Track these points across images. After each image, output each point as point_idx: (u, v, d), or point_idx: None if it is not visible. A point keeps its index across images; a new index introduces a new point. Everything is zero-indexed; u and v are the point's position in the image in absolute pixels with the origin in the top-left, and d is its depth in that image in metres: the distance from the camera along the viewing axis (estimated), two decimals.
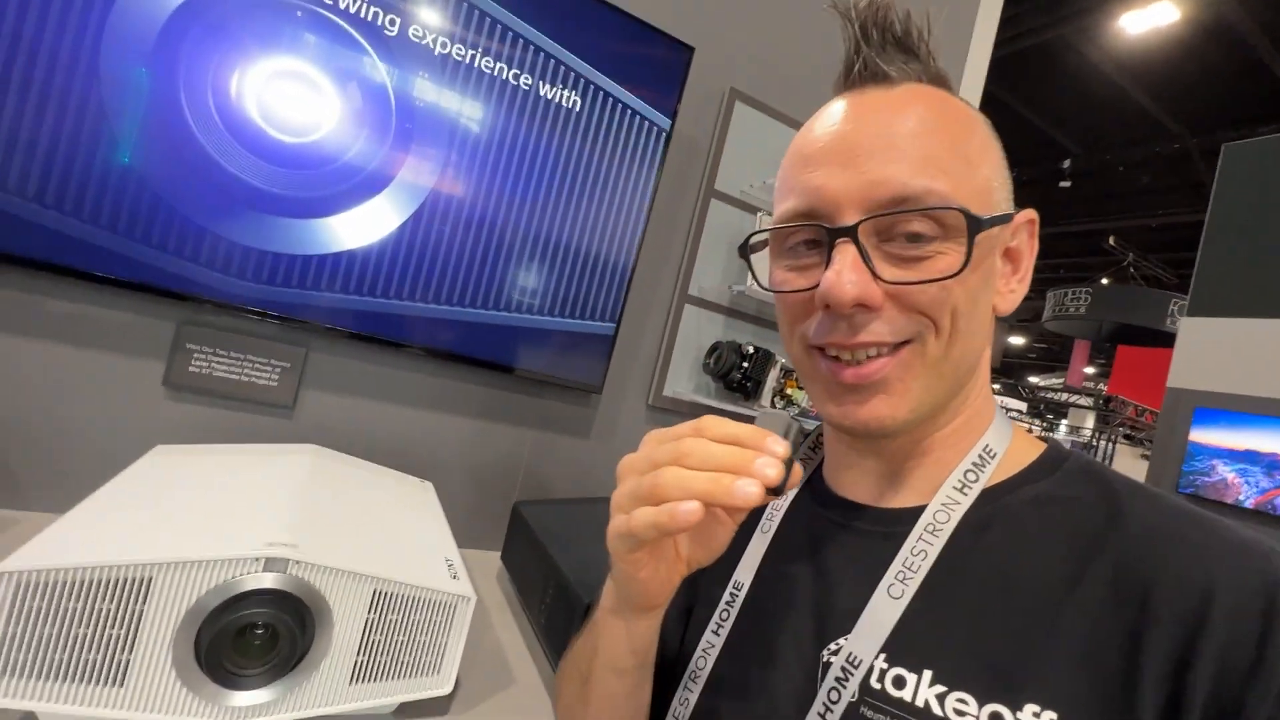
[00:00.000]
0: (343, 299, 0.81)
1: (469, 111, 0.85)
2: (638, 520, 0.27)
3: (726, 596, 0.35)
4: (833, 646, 0.30)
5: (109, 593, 0.41)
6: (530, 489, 0.98)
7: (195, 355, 0.77)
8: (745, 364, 1.01)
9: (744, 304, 1.08)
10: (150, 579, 0.42)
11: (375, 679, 0.49)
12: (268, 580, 0.45)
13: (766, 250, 0.34)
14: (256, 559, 0.45)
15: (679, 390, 1.06)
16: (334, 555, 0.48)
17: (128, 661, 0.42)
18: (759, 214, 1.06)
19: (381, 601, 0.49)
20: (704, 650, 0.34)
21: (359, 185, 0.81)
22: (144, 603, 0.42)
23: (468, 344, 0.89)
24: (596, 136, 0.92)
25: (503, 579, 0.85)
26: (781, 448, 0.27)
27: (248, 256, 0.76)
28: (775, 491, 0.27)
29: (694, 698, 0.33)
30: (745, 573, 0.35)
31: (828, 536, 0.33)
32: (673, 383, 1.06)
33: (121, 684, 0.42)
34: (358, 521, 0.57)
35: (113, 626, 0.41)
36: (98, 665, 0.41)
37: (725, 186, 1.05)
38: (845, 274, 0.28)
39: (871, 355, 0.30)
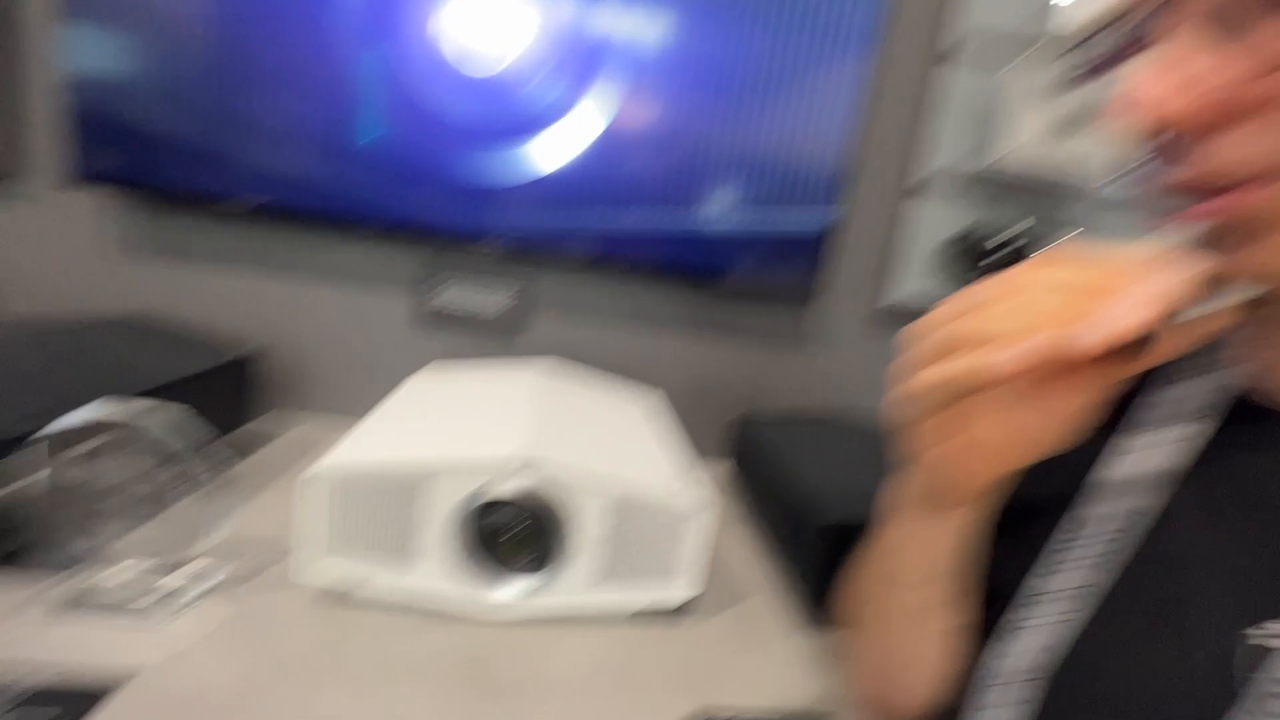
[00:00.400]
0: (553, 221, 0.83)
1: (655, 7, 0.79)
2: (953, 366, 0.21)
3: (1082, 519, 0.26)
4: (1271, 628, 0.21)
5: (398, 491, 0.47)
6: (750, 402, 0.95)
7: (439, 289, 0.86)
8: (1006, 245, 0.83)
9: (984, 187, 0.89)
10: (429, 478, 0.47)
11: (615, 583, 0.51)
12: (522, 484, 0.47)
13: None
14: (512, 464, 0.48)
15: (908, 295, 0.92)
16: (580, 462, 0.49)
17: (415, 549, 0.48)
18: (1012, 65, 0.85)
19: (623, 507, 0.50)
20: (1048, 580, 0.26)
21: (553, 107, 0.80)
22: (425, 500, 0.47)
23: (674, 257, 0.86)
24: (794, 12, 0.80)
25: (728, 493, 0.84)
26: (1160, 288, 0.18)
27: (472, 193, 0.81)
28: (1136, 351, 0.19)
29: (1031, 641, 0.25)
30: (1114, 493, 0.25)
31: (1253, 466, 0.23)
32: (902, 286, 0.93)
33: (412, 569, 0.48)
34: (599, 430, 0.59)
35: (401, 520, 0.48)
36: (392, 552, 0.48)
37: (955, 45, 0.85)
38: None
39: None
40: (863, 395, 0.95)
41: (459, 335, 0.88)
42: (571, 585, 0.50)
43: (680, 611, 0.55)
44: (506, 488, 0.48)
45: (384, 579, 0.48)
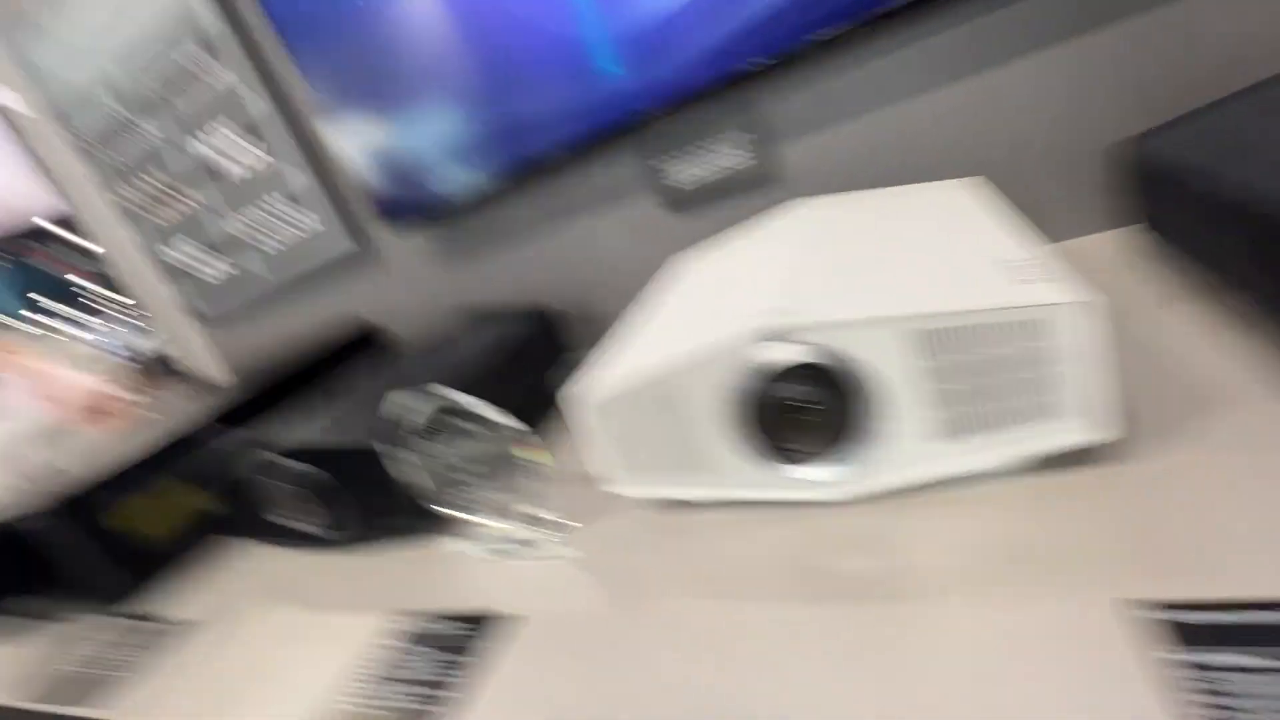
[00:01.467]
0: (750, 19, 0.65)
1: None
2: None
3: None
4: None
5: (662, 398, 0.43)
6: (1141, 118, 0.61)
7: (670, 169, 0.78)
8: None
9: None
10: (684, 377, 0.41)
11: (974, 433, 0.36)
12: (788, 354, 0.38)
13: None
14: (756, 336, 0.38)
15: None
16: (842, 307, 0.36)
17: (706, 450, 0.43)
18: None
19: (935, 341, 0.35)
20: None
21: None
22: (696, 400, 0.42)
23: None
24: None
25: (1147, 267, 0.57)
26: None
27: (646, 51, 0.69)
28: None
29: None
30: None
31: None
32: None
33: (712, 468, 0.44)
34: (871, 259, 0.44)
35: (682, 427, 0.43)
36: (688, 460, 0.44)
37: None
38: None
39: None
40: None
41: (720, 208, 0.79)
42: (910, 450, 0.38)
43: (1099, 457, 0.37)
44: (772, 361, 0.38)
45: (693, 487, 0.45)
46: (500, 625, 0.43)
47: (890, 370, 0.36)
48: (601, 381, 0.45)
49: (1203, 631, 0.26)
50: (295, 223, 1.02)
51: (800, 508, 0.43)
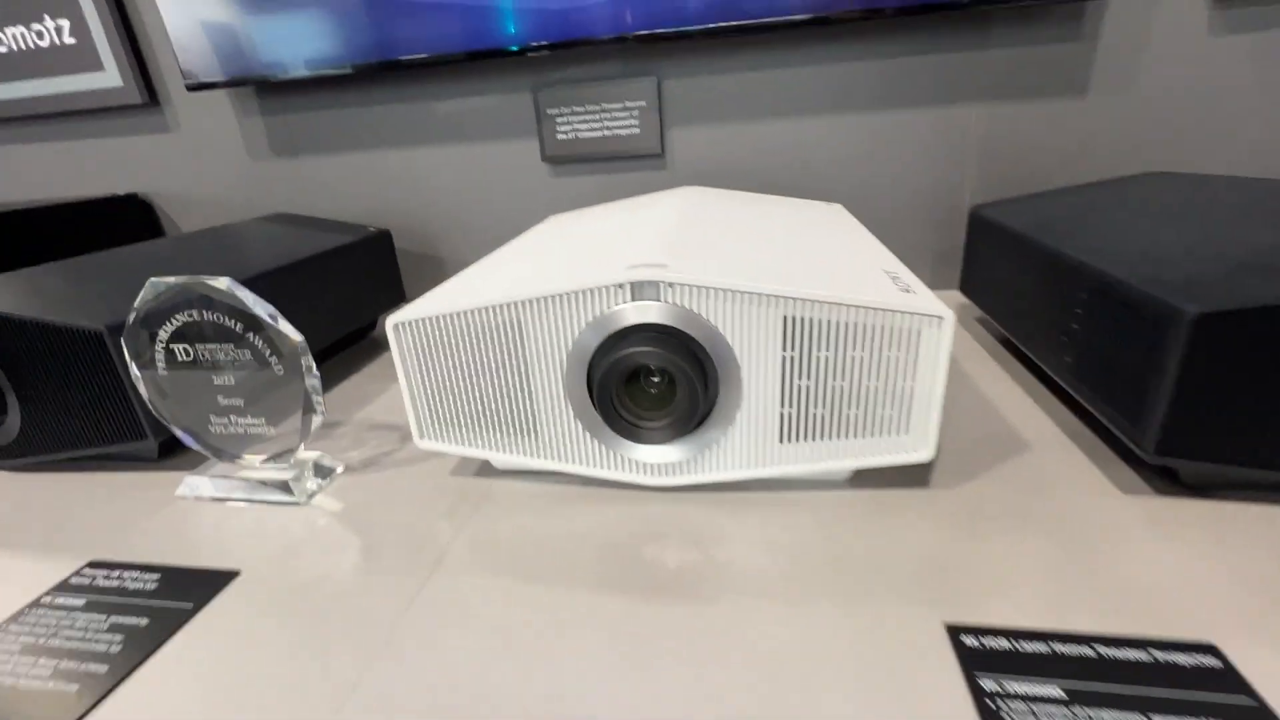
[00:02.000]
0: None
1: None
2: None
3: None
4: None
5: (497, 335, 0.36)
6: (988, 190, 0.67)
7: (558, 120, 0.71)
8: None
9: None
10: (520, 321, 0.35)
11: (813, 437, 0.35)
12: (645, 313, 0.33)
13: None
14: (620, 286, 0.33)
15: None
16: (724, 275, 0.33)
17: (531, 410, 0.37)
18: None
19: (802, 331, 0.33)
20: None
21: None
22: (525, 346, 0.35)
23: None
24: None
25: (970, 319, 0.61)
26: None
27: None
28: None
29: None
30: None
31: None
32: None
33: (534, 432, 0.38)
34: (754, 242, 0.42)
35: (512, 373, 0.37)
36: (509, 415, 0.37)
37: None
38: None
39: None
40: (1209, 138, 0.61)
41: (592, 174, 0.74)
42: (750, 445, 0.35)
43: (925, 470, 0.38)
44: (637, 315, 0.33)
45: (508, 449, 0.38)
46: (200, 584, 0.33)
47: (750, 352, 0.33)
48: (417, 307, 0.37)
49: (1000, 657, 0.25)
50: (67, 58, 0.78)
51: (624, 490, 0.38)
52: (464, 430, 0.39)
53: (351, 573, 0.33)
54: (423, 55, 0.67)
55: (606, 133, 0.71)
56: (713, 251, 0.37)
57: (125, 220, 0.82)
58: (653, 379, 0.35)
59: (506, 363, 0.36)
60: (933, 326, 0.32)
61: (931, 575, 0.30)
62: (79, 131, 0.83)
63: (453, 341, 0.36)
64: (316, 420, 0.39)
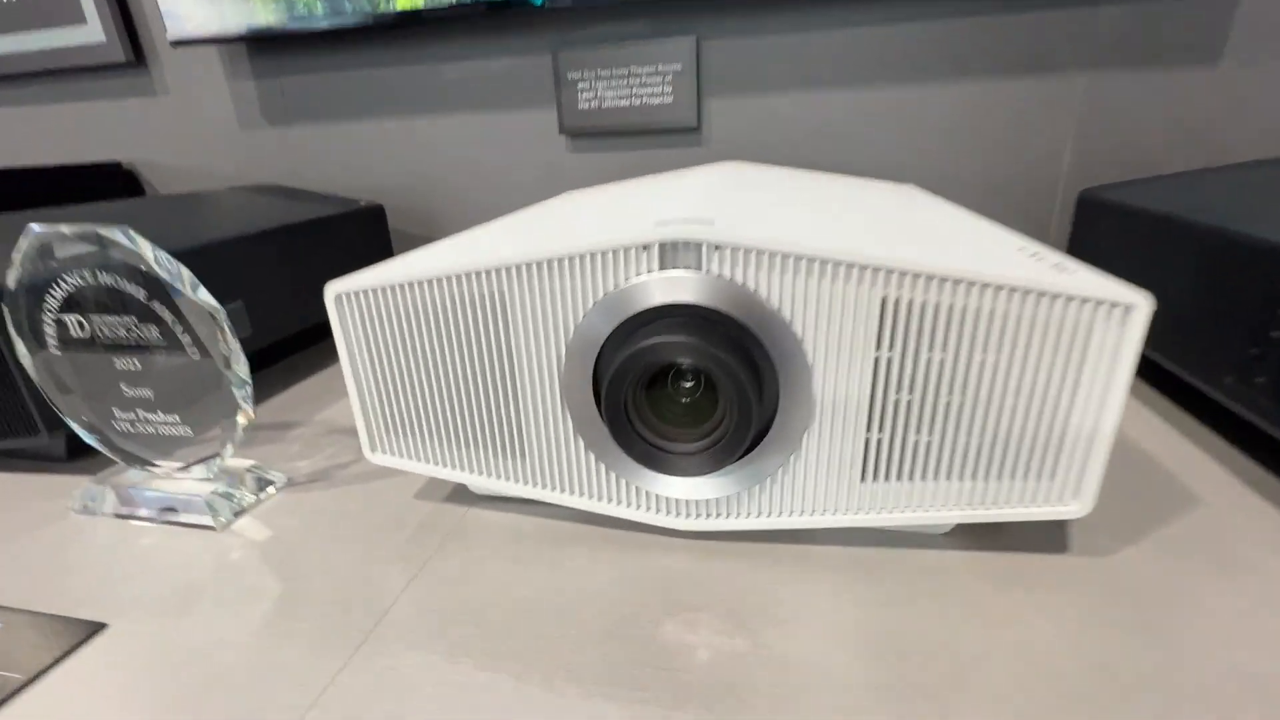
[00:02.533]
0: None
1: None
2: None
3: None
4: None
5: (461, 319, 0.26)
6: (1087, 176, 0.56)
7: (580, 86, 0.62)
8: None
9: None
10: (502, 295, 0.25)
11: (911, 475, 0.24)
12: (677, 288, 0.23)
13: None
14: (645, 248, 0.23)
15: None
16: (793, 237, 0.23)
17: (516, 420, 0.27)
18: None
19: (908, 321, 0.22)
20: None
21: None
22: (509, 331, 0.26)
23: None
24: None
25: None
26: None
27: None
28: None
29: None
30: None
31: None
32: None
33: (520, 450, 0.28)
34: (826, 209, 0.31)
35: (483, 369, 0.27)
36: (485, 423, 0.28)
37: None
38: None
39: None
40: None
41: (617, 150, 0.65)
42: (821, 483, 0.25)
43: (1038, 540, 0.27)
44: (666, 291, 0.23)
45: (484, 470, 0.29)
46: (47, 641, 0.23)
47: (827, 349, 0.23)
48: (370, 274, 0.28)
49: None
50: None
51: (639, 533, 0.29)
52: (428, 442, 0.29)
53: (254, 638, 0.24)
54: (431, 5, 0.58)
55: (635, 101, 0.62)
56: (772, 215, 0.27)
57: (106, 190, 0.75)
58: (684, 383, 0.25)
59: (484, 353, 0.27)
60: (1112, 319, 0.21)
61: (1100, 693, 0.20)
62: (57, 93, 0.76)
63: (414, 321, 0.27)
64: (241, 422, 0.30)
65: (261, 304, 0.46)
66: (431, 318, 0.26)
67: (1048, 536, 0.27)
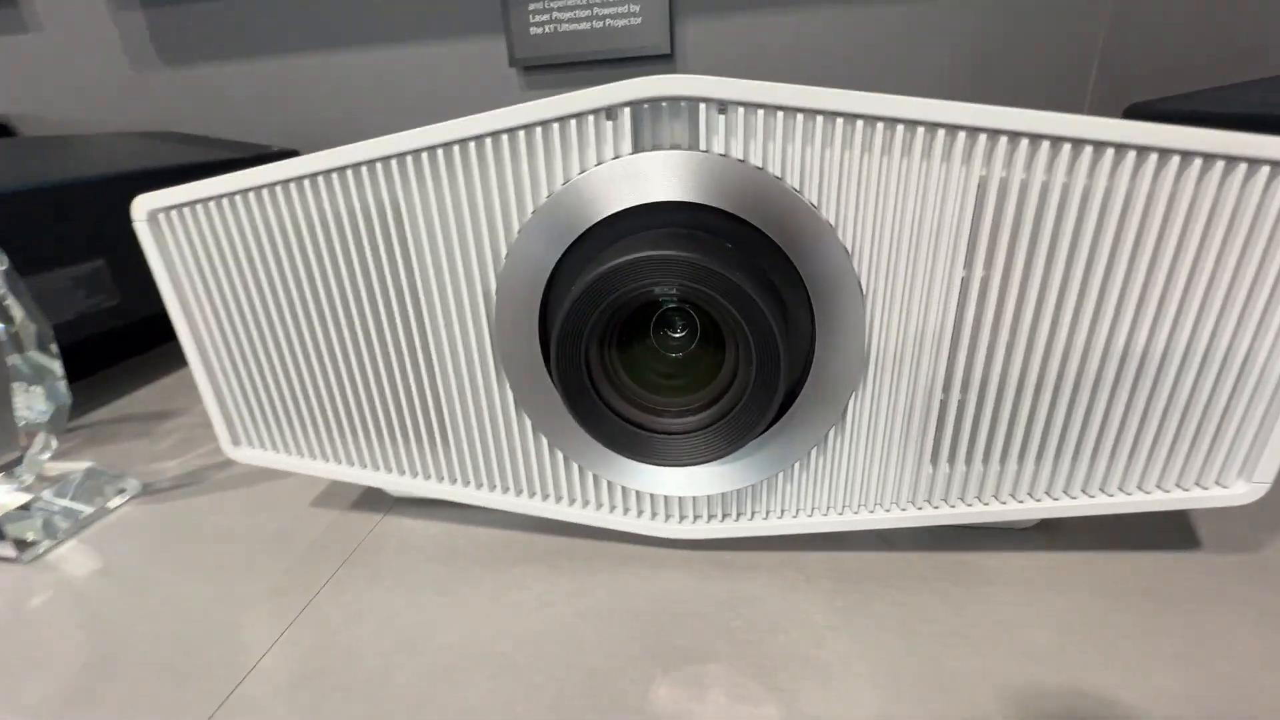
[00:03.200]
0: None
1: None
2: None
3: None
4: None
5: (344, 245, 0.18)
6: (1113, 98, 0.49)
7: (532, 6, 0.53)
8: None
9: None
10: (397, 204, 0.16)
11: (1005, 456, 0.17)
12: (662, 178, 0.15)
13: None
14: (609, 112, 0.15)
15: None
16: (836, 94, 0.15)
17: (432, 394, 0.19)
18: None
19: (1018, 217, 0.15)
20: None
21: None
22: (411, 259, 0.17)
23: None
24: None
25: None
26: None
27: None
28: None
29: None
30: None
31: None
32: None
33: (440, 435, 0.20)
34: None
35: (380, 318, 0.19)
36: (387, 400, 0.19)
37: None
38: None
39: None
40: None
41: (577, 84, 0.56)
42: (874, 467, 0.18)
43: (1153, 531, 0.20)
44: (645, 183, 0.15)
45: (390, 465, 0.21)
46: None
47: (884, 263, 0.15)
48: (202, 184, 0.19)
49: None
50: None
51: (613, 543, 0.21)
52: (312, 430, 0.21)
53: (64, 693, 0.16)
54: None
55: (597, 24, 0.53)
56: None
57: None
58: (673, 331, 0.17)
59: (380, 297, 0.18)
60: None
61: None
62: None
63: (276, 251, 0.18)
64: (33, 415, 0.22)
65: (137, 266, 0.37)
66: (299, 246, 0.18)
67: (1158, 528, 0.20)
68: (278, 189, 0.17)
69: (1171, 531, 0.20)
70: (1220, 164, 0.14)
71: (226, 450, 0.22)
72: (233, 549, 0.22)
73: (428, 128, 0.16)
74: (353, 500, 0.24)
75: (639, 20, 0.52)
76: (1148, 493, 0.17)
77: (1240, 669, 0.15)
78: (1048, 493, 0.17)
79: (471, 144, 0.16)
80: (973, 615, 0.17)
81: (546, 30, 0.53)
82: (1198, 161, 0.14)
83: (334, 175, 0.17)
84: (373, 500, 0.24)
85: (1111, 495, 0.17)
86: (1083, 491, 0.17)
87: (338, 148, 0.16)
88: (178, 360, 0.40)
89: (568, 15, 0.53)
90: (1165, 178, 0.14)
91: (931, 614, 0.17)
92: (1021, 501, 0.17)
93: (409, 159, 0.16)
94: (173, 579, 0.21)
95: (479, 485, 0.20)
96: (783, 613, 0.18)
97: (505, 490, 0.20)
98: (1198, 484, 0.17)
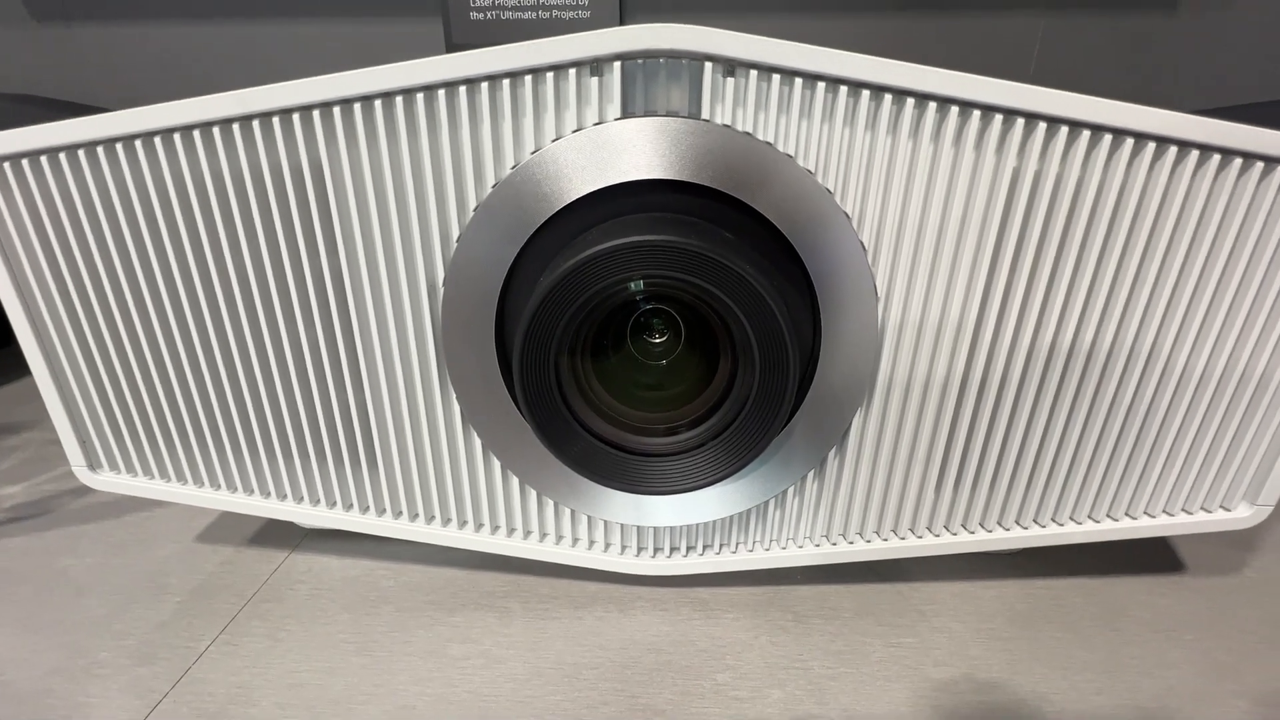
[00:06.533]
0: None
1: None
2: None
3: None
4: None
5: (239, 209, 0.14)
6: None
7: None
8: None
9: None
10: (317, 164, 0.13)
11: (1013, 481, 0.16)
12: (647, 156, 0.13)
13: None
14: (591, 66, 0.13)
15: None
16: (851, 59, 0.13)
17: (361, 413, 0.16)
18: None
19: (1052, 206, 0.13)
20: None
21: None
22: (340, 247, 0.14)
23: None
24: None
25: None
26: None
27: None
28: None
29: None
30: None
31: None
32: None
33: (371, 463, 0.17)
34: None
35: (295, 309, 0.15)
36: (297, 418, 0.15)
37: None
38: None
39: None
40: None
41: None
42: (876, 489, 0.16)
43: (1130, 557, 0.20)
44: (624, 158, 0.13)
45: (303, 495, 0.17)
46: None
47: (904, 260, 0.14)
48: (53, 130, 0.15)
49: None
50: None
51: (584, 583, 0.18)
52: (194, 450, 0.17)
53: None
54: None
55: (543, 14, 0.50)
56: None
57: None
58: (653, 336, 0.15)
59: (294, 286, 0.15)
60: None
61: None
62: None
63: (149, 222, 0.14)
64: None
65: None
66: (184, 213, 0.14)
67: (1137, 555, 0.19)
68: (156, 141, 0.13)
69: (1155, 555, 0.19)
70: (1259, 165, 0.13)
71: (81, 476, 0.17)
72: (87, 601, 0.17)
73: (359, 72, 0.13)
74: (251, 534, 0.20)
75: (588, 14, 0.50)
76: (1154, 517, 0.16)
77: None
78: (1054, 519, 0.16)
79: (419, 96, 0.13)
80: (978, 653, 0.16)
81: (488, 16, 0.50)
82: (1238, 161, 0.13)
83: (235, 126, 0.13)
84: (278, 534, 0.20)
85: (1118, 520, 0.16)
86: (1089, 517, 0.16)
87: (239, 90, 0.13)
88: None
89: (512, 3, 0.50)
90: (1220, 177, 0.13)
91: (937, 655, 0.16)
92: (1027, 528, 0.16)
93: (336, 111, 0.13)
94: (3, 642, 0.16)
95: (414, 516, 0.17)
96: (776, 662, 0.15)
97: (446, 522, 0.17)
98: (1203, 508, 0.16)
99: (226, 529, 0.20)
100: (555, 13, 0.49)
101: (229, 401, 0.16)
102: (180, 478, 0.17)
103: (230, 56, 0.55)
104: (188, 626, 0.16)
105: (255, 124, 0.13)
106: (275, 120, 0.13)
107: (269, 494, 0.17)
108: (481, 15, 0.50)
